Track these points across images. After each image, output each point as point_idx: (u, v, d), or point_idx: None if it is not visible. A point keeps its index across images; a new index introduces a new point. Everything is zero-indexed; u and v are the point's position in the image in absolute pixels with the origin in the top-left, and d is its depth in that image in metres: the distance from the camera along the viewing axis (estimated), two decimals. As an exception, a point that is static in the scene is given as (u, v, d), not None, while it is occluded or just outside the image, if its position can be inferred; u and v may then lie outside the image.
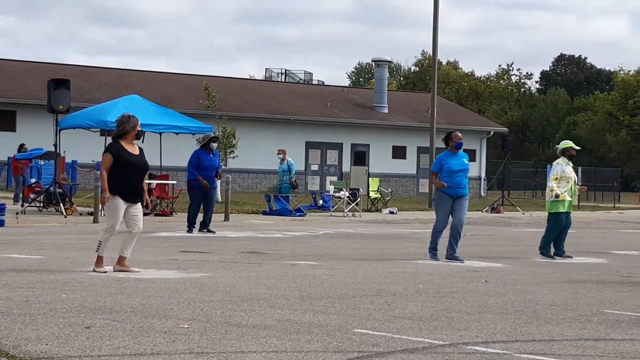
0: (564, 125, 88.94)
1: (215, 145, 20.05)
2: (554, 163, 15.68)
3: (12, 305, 8.14)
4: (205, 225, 19.31)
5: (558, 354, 6.52)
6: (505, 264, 14.01)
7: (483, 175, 52.16)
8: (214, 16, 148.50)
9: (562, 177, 15.29)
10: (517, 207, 37.09)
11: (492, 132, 53.50)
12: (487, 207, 36.44)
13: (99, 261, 11.15)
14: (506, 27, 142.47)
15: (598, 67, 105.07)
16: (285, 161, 29.52)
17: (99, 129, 25.22)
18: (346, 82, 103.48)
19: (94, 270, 11.03)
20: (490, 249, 17.00)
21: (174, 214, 25.18)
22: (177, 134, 26.55)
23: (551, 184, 15.40)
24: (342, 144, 48.29)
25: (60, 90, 23.72)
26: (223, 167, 20.77)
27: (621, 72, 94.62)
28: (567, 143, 15.89)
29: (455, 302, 9.23)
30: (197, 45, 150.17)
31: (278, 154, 30.22)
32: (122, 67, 54.80)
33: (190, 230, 19.21)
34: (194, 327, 7.23)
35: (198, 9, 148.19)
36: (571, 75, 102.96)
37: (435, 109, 39.25)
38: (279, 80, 62.62)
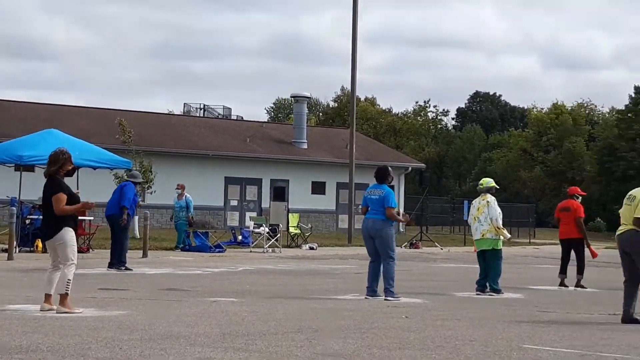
0: (480, 161, 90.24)
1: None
2: (491, 200, 15.54)
3: None
4: (120, 263, 19.02)
5: (479, 390, 6.55)
6: (425, 299, 14.10)
7: (402, 210, 52.50)
8: (124, 50, 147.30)
9: (499, 214, 15.45)
10: (435, 243, 37.44)
11: (410, 168, 54.02)
12: (406, 243, 36.70)
13: (66, 300, 10.83)
14: (420, 65, 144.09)
15: (512, 104, 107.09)
16: (184, 197, 29.11)
17: (13, 164, 24.78)
18: (265, 117, 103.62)
19: (67, 312, 10.65)
20: (409, 285, 17.07)
21: (90, 250, 24.80)
22: (94, 168, 26.19)
23: (499, 223, 15.39)
24: (261, 179, 48.22)
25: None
26: (141, 202, 20.59)
27: (534, 109, 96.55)
28: (492, 182, 15.99)
29: (376, 339, 9.24)
30: (108, 79, 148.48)
31: (177, 188, 29.82)
32: (33, 100, 53.90)
33: (124, 267, 18.83)
34: (113, 366, 7.10)
35: (108, 44, 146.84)
36: (486, 112, 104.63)
37: (354, 145, 39.50)
38: (198, 115, 62.39)
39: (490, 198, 15.58)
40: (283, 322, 10.45)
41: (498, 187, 16.10)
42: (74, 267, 11.03)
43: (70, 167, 11.33)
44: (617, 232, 11.63)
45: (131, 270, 18.74)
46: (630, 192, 11.60)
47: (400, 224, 50.94)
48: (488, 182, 15.95)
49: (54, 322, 9.78)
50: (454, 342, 9.09)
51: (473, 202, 16.10)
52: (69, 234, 11.04)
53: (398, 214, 14.50)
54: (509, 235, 15.59)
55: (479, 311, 12.52)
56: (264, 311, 11.65)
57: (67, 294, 10.80)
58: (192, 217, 29.18)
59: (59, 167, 11.22)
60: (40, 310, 10.78)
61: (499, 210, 15.46)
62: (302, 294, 14.43)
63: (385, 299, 13.78)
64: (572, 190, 18.44)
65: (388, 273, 14.06)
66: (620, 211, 11.62)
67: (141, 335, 8.95)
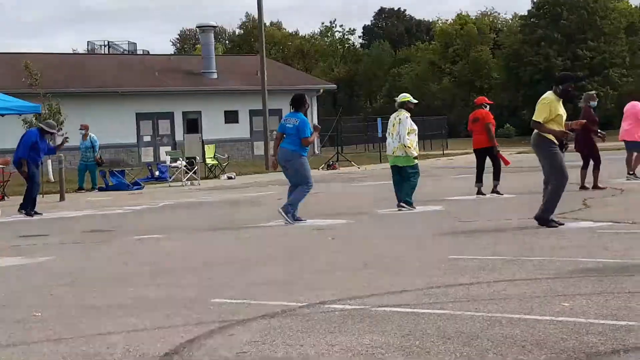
0: (389, 77, 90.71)
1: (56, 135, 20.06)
2: (402, 117, 15.52)
3: None
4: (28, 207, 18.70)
5: (413, 304, 6.71)
6: (349, 219, 14.25)
7: (316, 133, 52.57)
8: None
9: (411, 130, 15.53)
10: (352, 162, 37.69)
11: (321, 90, 54.02)
12: (323, 165, 36.89)
13: None
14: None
15: (417, 18, 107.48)
16: (89, 137, 28.54)
17: None
18: (171, 50, 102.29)
19: None
20: (332, 206, 17.24)
21: (5, 198, 24.41)
22: (2, 115, 25.62)
23: (408, 139, 15.45)
24: (173, 113, 47.77)
25: None
26: (66, 143, 20.16)
27: (439, 21, 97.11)
28: (406, 96, 16.03)
29: (306, 263, 9.35)
30: (4, 21, 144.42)
31: (80, 129, 29.29)
32: None
33: (34, 212, 18.54)
34: (47, 313, 7.07)
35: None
36: (392, 27, 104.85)
37: (265, 71, 39.31)
38: (103, 52, 61.29)
39: (402, 115, 15.65)
40: (212, 254, 10.50)
41: (416, 102, 16.14)
42: None
43: None
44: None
45: (40, 214, 18.40)
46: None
47: (316, 146, 51.16)
48: (403, 96, 16.01)
49: (-19, 275, 9.66)
50: (383, 260, 9.26)
51: (391, 117, 16.08)
52: None
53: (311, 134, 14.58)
54: (415, 154, 15.60)
55: (403, 227, 12.73)
56: (191, 245, 11.68)
57: None
58: (99, 156, 28.56)
59: None
60: None
61: (412, 126, 15.53)
62: (227, 225, 14.47)
63: (279, 210, 14.03)
64: (480, 100, 18.67)
65: (297, 196, 14.23)
66: None
67: (72, 280, 8.91)
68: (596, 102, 18.81)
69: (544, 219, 11.50)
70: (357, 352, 5.25)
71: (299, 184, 14.26)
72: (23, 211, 18.45)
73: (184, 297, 7.51)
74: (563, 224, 11.52)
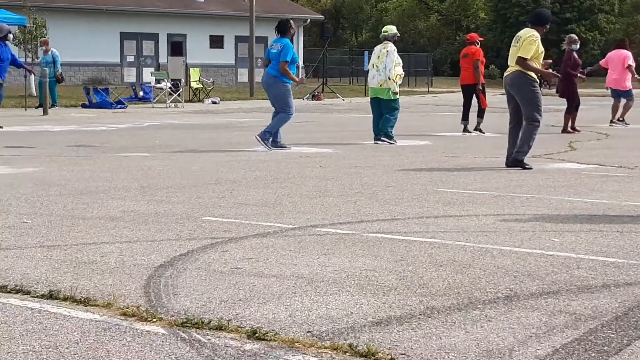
0: (376, 11, 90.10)
1: (11, 36, 19.54)
2: (390, 48, 15.42)
3: None
4: None
5: (404, 232, 6.76)
6: (336, 149, 14.27)
7: (301, 63, 52.39)
8: None
9: (398, 63, 15.44)
10: (337, 94, 37.60)
11: (308, 20, 53.64)
12: (308, 95, 36.78)
13: None
14: None
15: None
16: (50, 52, 27.14)
17: None
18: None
19: None
20: (317, 135, 17.24)
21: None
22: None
23: (396, 71, 15.36)
24: (157, 34, 47.36)
25: None
26: (36, 60, 19.90)
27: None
28: (393, 28, 15.92)
29: (295, 188, 9.37)
30: None
31: (40, 46, 28.72)
32: None
33: None
34: (38, 221, 7.07)
35: None
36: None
37: (253, -3, 38.96)
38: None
39: (390, 47, 15.52)
40: (200, 175, 10.50)
41: (398, 35, 16.04)
42: None
43: None
44: (504, 75, 11.68)
45: (1, 127, 18.29)
46: (517, 34, 11.67)
47: (301, 75, 50.84)
48: (391, 29, 15.84)
49: (-32, 182, 9.63)
50: (372, 189, 9.29)
51: (375, 49, 15.92)
52: None
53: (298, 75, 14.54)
54: (396, 90, 15.49)
55: (389, 158, 12.75)
56: (178, 164, 11.67)
57: None
58: (59, 73, 27.16)
59: None
60: None
61: (397, 60, 15.45)
62: (213, 147, 14.46)
63: (256, 137, 14.02)
64: (471, 37, 18.59)
65: (278, 122, 14.20)
66: (509, 53, 11.68)
67: (59, 191, 8.90)
68: (578, 45, 18.77)
69: (520, 160, 11.38)
70: (350, 274, 5.29)
71: (280, 111, 14.21)
72: None
73: (174, 214, 7.53)
74: (532, 168, 11.36)
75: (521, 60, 11.28)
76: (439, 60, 72.14)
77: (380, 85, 15.47)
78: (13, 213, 7.50)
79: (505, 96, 11.94)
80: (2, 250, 5.94)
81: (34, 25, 35.28)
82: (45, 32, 36.15)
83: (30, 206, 7.91)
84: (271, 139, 14.02)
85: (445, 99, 38.56)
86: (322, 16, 56.79)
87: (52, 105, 26.13)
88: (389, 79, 15.31)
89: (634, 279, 5.25)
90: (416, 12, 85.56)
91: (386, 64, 15.37)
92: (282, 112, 14.21)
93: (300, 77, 14.98)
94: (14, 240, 6.30)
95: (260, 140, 13.92)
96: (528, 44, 11.30)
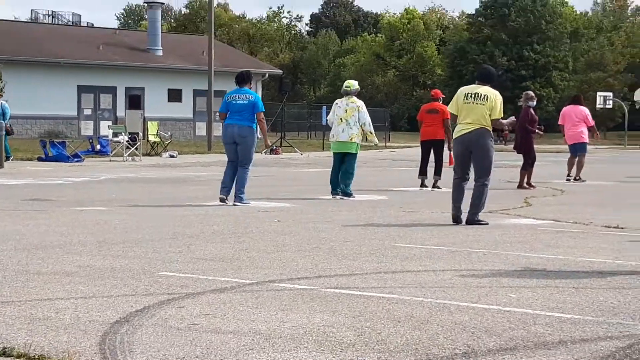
0: (334, 66, 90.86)
1: None
2: (360, 104, 15.53)
3: None
4: None
5: (362, 287, 6.75)
6: (294, 203, 14.27)
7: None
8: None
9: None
10: (295, 148, 37.71)
11: (266, 75, 53.91)
12: (266, 149, 36.81)
13: None
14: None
15: (365, 9, 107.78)
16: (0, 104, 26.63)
17: None
18: (116, 24, 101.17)
19: None
20: (275, 190, 17.24)
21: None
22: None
23: (372, 128, 15.48)
24: (116, 87, 47.32)
25: None
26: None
27: (387, 14, 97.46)
28: (357, 84, 16.07)
29: (252, 242, 9.35)
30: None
31: None
32: None
33: None
34: (-8, 277, 6.98)
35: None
36: (340, 17, 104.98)
37: (213, 51, 39.10)
38: (47, 22, 60.41)
39: (359, 102, 15.66)
40: (156, 229, 10.43)
41: (359, 89, 16.19)
42: None
43: None
44: (462, 131, 11.48)
45: None
46: (472, 90, 11.48)
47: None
48: (354, 84, 15.92)
49: None
50: (330, 244, 9.29)
51: (337, 102, 15.96)
52: None
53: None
54: (377, 141, 15.79)
55: (346, 214, 12.77)
56: (135, 219, 11.59)
57: None
58: (9, 125, 26.56)
59: None
60: None
61: (367, 113, 15.66)
62: (170, 202, 14.39)
63: (234, 204, 13.76)
64: (436, 94, 18.76)
65: (243, 179, 13.99)
66: (463, 110, 11.47)
67: (14, 245, 8.80)
68: (535, 102, 19.02)
69: (475, 219, 11.40)
70: (308, 330, 5.27)
71: (242, 164, 14.03)
72: None
73: (131, 269, 7.47)
74: (487, 224, 11.45)
75: (496, 121, 11.42)
76: (397, 115, 72.77)
77: (351, 139, 15.48)
78: (-34, 268, 7.39)
79: (453, 150, 11.99)
80: (-45, 306, 5.85)
81: (-10, 77, 35.13)
82: (1, 84, 35.99)
83: (-16, 261, 7.80)
84: (241, 195, 13.88)
85: (403, 153, 38.81)
86: (280, 71, 57.15)
87: (7, 158, 25.53)
88: (370, 133, 15.47)
89: (590, 335, 5.28)
90: (374, 67, 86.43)
91: (363, 119, 15.44)
92: (245, 165, 14.02)
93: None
94: (-33, 296, 6.21)
95: (240, 203, 13.77)
96: (500, 104, 11.41)
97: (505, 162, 26.79)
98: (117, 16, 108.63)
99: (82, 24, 61.74)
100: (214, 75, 39.27)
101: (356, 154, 15.63)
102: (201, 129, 47.83)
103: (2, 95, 35.73)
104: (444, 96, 18.82)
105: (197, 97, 49.04)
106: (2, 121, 25.18)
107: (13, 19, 73.32)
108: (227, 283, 6.84)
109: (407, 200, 15.20)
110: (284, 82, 42.06)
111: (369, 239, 9.69)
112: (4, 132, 24.47)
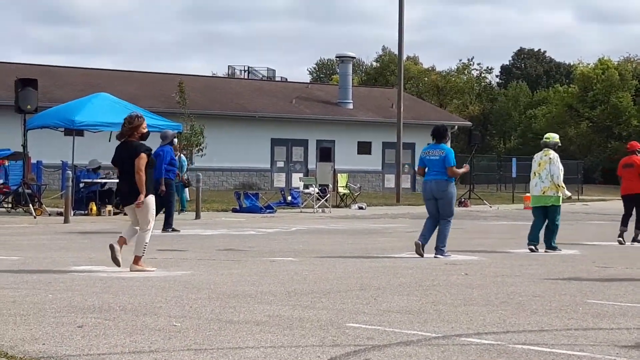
0: (525, 118, 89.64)
1: (175, 141, 20.18)
2: (553, 156, 15.42)
3: (0, 305, 8.09)
4: (169, 225, 18.99)
5: (551, 344, 6.60)
6: (482, 256, 14.13)
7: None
8: (157, 14, 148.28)
9: (561, 170, 15.40)
10: (484, 201, 37.34)
11: (456, 127, 53.81)
12: (455, 201, 36.64)
13: (140, 260, 11.20)
14: (453, 22, 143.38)
15: (557, 60, 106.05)
16: (179, 157, 25.57)
17: (64, 129, 25.06)
18: (308, 78, 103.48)
19: (140, 271, 11.05)
20: (464, 242, 17.12)
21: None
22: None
23: (560, 180, 15.32)
24: (307, 140, 48.34)
25: (27, 90, 23.56)
26: (190, 165, 20.54)
27: (580, 65, 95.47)
28: (556, 137, 15.88)
29: (439, 295, 9.30)
30: (141, 43, 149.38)
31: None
32: (78, 65, 54.28)
33: (171, 229, 18.84)
34: (186, 324, 7.23)
35: (140, 8, 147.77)
36: (531, 68, 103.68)
37: (402, 104, 39.40)
38: (242, 77, 62.51)
39: (552, 154, 15.45)
40: (344, 280, 10.55)
41: (559, 144, 15.95)
42: (151, 231, 11.29)
43: (145, 131, 11.41)
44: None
45: (178, 231, 18.82)
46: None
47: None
48: (553, 136, 15.82)
49: (121, 283, 9.95)
50: (518, 298, 9.13)
51: (534, 156, 15.90)
52: (149, 198, 11.20)
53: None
54: (569, 194, 15.50)
55: (537, 267, 12.53)
56: (323, 270, 11.76)
57: (142, 256, 11.10)
58: (186, 177, 26.57)
59: (133, 130, 11.29)
60: (110, 247, 11.09)
61: (561, 167, 15.40)
62: (358, 253, 14.53)
63: (435, 257, 13.78)
64: (633, 146, 18.13)
65: (444, 232, 14.08)
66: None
67: (208, 294, 9.09)
68: None
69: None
70: (495, 386, 5.19)
71: (443, 217, 14.10)
72: (169, 230, 18.79)
73: (318, 319, 7.57)
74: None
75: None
76: (590, 168, 70.92)
77: (544, 193, 15.34)
78: (163, 315, 7.69)
79: None
80: (152, 352, 6.09)
81: (192, 132, 36.60)
82: (202, 139, 37.45)
83: (180, 309, 8.10)
84: (442, 248, 13.99)
85: (597, 207, 37.72)
86: (470, 123, 56.88)
87: (181, 211, 25.82)
88: (559, 186, 15.22)
89: None
90: (566, 119, 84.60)
91: (552, 171, 15.27)
92: (447, 218, 14.11)
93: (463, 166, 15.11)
94: (163, 342, 6.45)
95: (441, 256, 13.84)
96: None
97: None
98: (309, 70, 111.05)
99: (276, 79, 63.47)
100: (402, 127, 39.50)
101: (557, 206, 15.39)
102: (390, 180, 48.13)
103: (201, 150, 37.26)
104: (641, 148, 18.21)
105: (385, 149, 49.44)
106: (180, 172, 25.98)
107: (211, 74, 76.36)
108: (414, 336, 6.83)
109: (601, 255, 14.78)
110: (473, 134, 41.81)
111: (560, 294, 9.47)
112: (181, 184, 25.23)
